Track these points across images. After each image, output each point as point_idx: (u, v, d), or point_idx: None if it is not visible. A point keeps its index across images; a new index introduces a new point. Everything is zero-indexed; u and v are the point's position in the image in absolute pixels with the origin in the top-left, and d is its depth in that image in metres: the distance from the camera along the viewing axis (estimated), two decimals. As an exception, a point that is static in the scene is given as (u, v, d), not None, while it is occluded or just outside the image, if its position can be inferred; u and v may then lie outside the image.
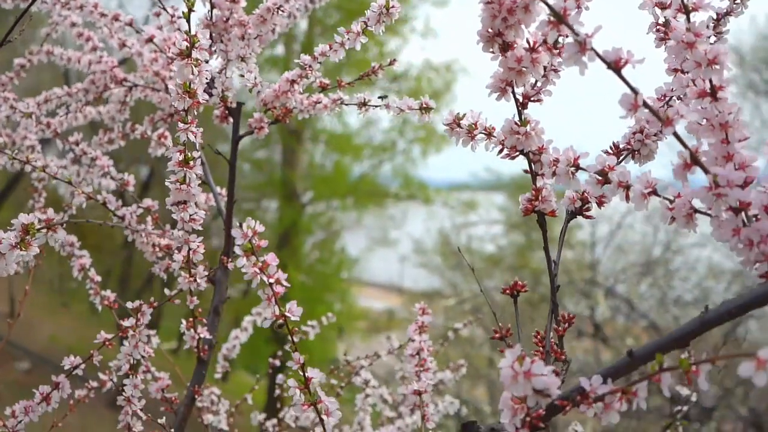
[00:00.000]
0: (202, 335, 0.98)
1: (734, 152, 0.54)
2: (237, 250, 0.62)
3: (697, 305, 6.38)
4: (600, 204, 0.69)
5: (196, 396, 1.00)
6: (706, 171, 0.52)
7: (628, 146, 0.69)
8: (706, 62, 0.53)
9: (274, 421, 1.39)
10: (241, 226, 0.62)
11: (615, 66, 0.51)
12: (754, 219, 0.53)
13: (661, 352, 0.49)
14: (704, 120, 0.56)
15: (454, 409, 1.34)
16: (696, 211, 0.55)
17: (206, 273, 0.92)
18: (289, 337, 0.66)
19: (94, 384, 1.09)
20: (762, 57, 8.68)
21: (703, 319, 0.50)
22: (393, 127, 11.94)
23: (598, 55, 0.51)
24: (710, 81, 0.54)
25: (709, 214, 0.55)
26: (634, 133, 0.70)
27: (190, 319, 0.97)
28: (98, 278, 1.11)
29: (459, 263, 8.63)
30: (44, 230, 0.69)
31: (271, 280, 0.63)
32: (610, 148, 0.70)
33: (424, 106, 0.96)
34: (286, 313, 0.64)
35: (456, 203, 11.01)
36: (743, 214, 0.52)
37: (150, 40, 1.05)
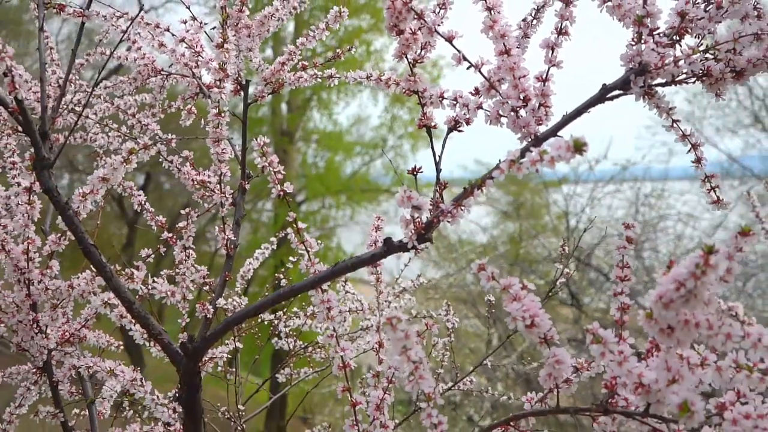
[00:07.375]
0: (229, 237, 1.46)
1: (518, 83, 1.02)
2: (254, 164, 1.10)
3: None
4: (467, 123, 1.17)
5: (227, 279, 1.47)
6: (497, 91, 1.01)
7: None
8: (499, 35, 1.01)
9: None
10: (255, 139, 1.10)
11: (449, 39, 0.99)
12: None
13: (472, 182, 0.97)
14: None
15: (411, 305, 1.83)
16: (500, 115, 1.04)
17: (232, 191, 1.40)
18: (287, 204, 1.14)
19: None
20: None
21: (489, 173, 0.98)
22: (382, 123, 12.44)
23: (438, 33, 0.99)
24: (504, 44, 1.02)
25: (505, 116, 1.03)
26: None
27: (221, 225, 1.45)
28: (152, 210, 1.58)
29: (453, 251, 9.04)
30: (141, 150, 1.17)
31: (275, 170, 1.11)
32: (474, 89, 1.18)
33: (380, 77, 1.43)
34: (285, 189, 1.12)
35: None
36: (518, 112, 1.00)
37: (182, 40, 1.53)
